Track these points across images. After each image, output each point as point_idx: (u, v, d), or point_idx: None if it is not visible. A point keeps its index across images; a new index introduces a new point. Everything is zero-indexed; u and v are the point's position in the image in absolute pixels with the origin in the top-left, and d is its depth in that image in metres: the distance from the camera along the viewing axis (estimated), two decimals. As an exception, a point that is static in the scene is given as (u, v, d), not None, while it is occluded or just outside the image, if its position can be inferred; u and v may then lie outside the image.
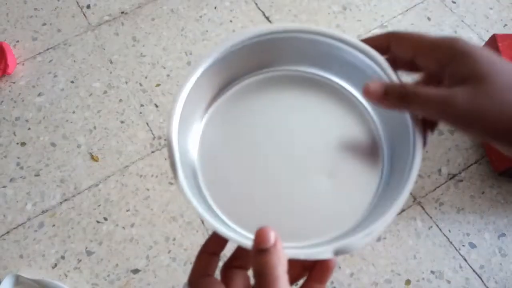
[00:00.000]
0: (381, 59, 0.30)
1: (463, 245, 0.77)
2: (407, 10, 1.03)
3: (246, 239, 0.26)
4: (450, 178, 0.83)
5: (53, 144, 0.86)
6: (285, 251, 0.25)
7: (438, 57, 0.27)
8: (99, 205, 0.80)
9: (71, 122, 0.89)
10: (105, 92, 0.92)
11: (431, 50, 0.28)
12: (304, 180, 0.31)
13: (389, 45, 0.30)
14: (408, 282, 0.75)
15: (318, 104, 0.33)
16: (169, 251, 0.77)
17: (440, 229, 0.79)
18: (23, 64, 0.96)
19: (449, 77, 0.27)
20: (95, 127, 0.88)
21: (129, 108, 0.90)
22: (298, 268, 0.29)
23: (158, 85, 0.93)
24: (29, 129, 0.88)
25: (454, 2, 1.04)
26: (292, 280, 0.29)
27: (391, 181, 0.30)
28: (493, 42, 0.82)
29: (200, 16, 1.02)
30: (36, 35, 1.00)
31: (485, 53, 0.26)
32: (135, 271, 0.75)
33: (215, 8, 1.03)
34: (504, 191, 0.82)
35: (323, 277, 0.29)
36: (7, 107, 0.90)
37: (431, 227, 0.79)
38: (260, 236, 0.25)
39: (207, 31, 1.00)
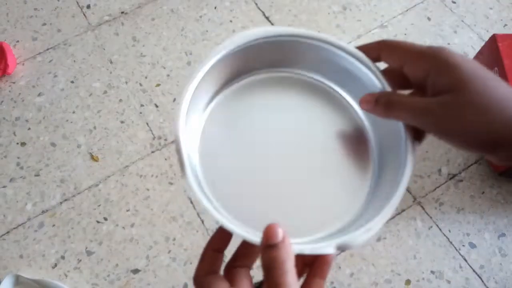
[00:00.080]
0: (374, 67, 0.32)
1: (463, 245, 0.77)
2: (407, 10, 1.03)
3: (251, 234, 0.27)
4: (450, 178, 0.83)
5: (53, 144, 0.86)
6: (296, 249, 0.26)
7: (422, 66, 0.28)
8: (99, 205, 0.80)
9: (71, 122, 0.89)
10: (105, 92, 0.92)
11: (417, 59, 0.28)
12: (301, 177, 0.32)
13: (379, 53, 0.31)
14: (408, 282, 0.75)
15: (313, 106, 0.35)
16: (169, 251, 0.77)
17: (440, 229, 0.79)
18: (23, 64, 0.96)
19: (431, 86, 0.28)
20: (95, 127, 0.88)
21: (129, 108, 0.90)
22: (299, 265, 0.30)
23: (158, 85, 0.93)
24: (29, 129, 0.88)
25: (454, 2, 1.04)
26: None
27: (384, 175, 0.31)
28: (493, 42, 0.82)
29: (200, 16, 1.02)
30: (36, 35, 1.00)
31: (467, 64, 0.27)
32: (135, 271, 0.75)
33: (215, 8, 1.03)
34: (504, 191, 0.82)
35: (323, 272, 0.30)
36: (7, 107, 0.90)
37: (431, 227, 0.79)
38: (269, 232, 0.26)
39: (207, 31, 1.00)
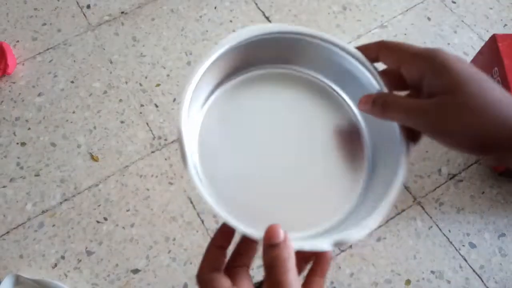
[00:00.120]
0: (372, 67, 0.32)
1: (463, 245, 0.77)
2: (407, 10, 1.03)
3: (252, 230, 0.27)
4: (450, 178, 0.83)
5: (53, 144, 0.86)
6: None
7: (418, 68, 0.28)
8: (99, 205, 0.80)
9: (71, 122, 0.89)
10: (105, 92, 0.92)
11: (413, 61, 0.29)
12: (297, 173, 0.33)
13: (378, 54, 0.32)
14: (408, 282, 0.75)
15: (310, 103, 0.35)
16: (169, 251, 0.77)
17: (440, 229, 0.79)
18: (23, 64, 0.96)
19: (427, 88, 0.28)
20: (95, 127, 0.88)
21: (129, 108, 0.90)
22: (298, 260, 0.30)
23: (158, 85, 0.93)
24: (29, 129, 0.88)
25: (454, 2, 1.04)
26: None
27: (378, 173, 0.32)
28: (493, 42, 0.82)
29: (200, 16, 1.02)
30: (36, 35, 1.00)
31: (462, 66, 0.27)
32: (135, 271, 0.75)
33: (215, 8, 1.03)
34: (504, 191, 0.82)
35: (323, 271, 0.30)
36: (7, 107, 0.90)
37: (431, 227, 0.79)
38: (270, 232, 0.26)
39: (207, 31, 1.00)
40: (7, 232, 0.79)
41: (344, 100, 0.36)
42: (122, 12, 1.02)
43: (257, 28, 0.33)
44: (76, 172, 0.84)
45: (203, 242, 0.77)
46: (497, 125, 0.26)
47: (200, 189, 0.28)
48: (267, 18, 1.01)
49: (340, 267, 0.75)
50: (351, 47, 0.33)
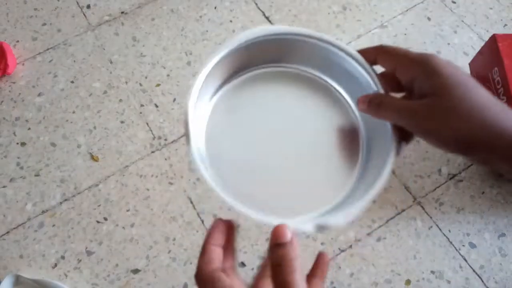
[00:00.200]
0: (371, 69, 0.35)
1: (463, 245, 0.77)
2: (407, 10, 1.03)
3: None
4: (450, 178, 0.83)
5: (53, 144, 0.86)
6: (272, 220, 0.29)
7: (411, 71, 0.30)
8: (99, 205, 0.81)
9: (71, 122, 0.89)
10: (105, 92, 0.92)
11: (407, 65, 0.31)
12: (297, 163, 0.35)
13: (376, 57, 0.34)
14: (408, 282, 0.75)
15: (311, 99, 0.38)
16: (169, 251, 0.77)
17: (440, 229, 0.79)
18: (23, 64, 0.96)
19: (418, 90, 0.30)
20: (95, 127, 0.88)
21: (129, 108, 0.90)
22: None
23: (158, 85, 0.93)
24: (29, 129, 0.88)
25: (454, 2, 1.04)
26: None
27: (369, 169, 0.34)
28: (493, 42, 0.82)
29: (200, 16, 1.02)
30: (36, 35, 1.00)
31: (450, 70, 0.29)
32: (135, 271, 0.75)
33: (215, 8, 1.03)
34: (504, 191, 0.82)
35: (322, 272, 0.32)
36: (7, 107, 0.91)
37: (431, 227, 0.79)
38: (278, 232, 0.28)
39: (207, 31, 1.00)
40: (7, 232, 0.79)
41: (344, 98, 0.38)
42: (122, 12, 1.02)
43: (261, 30, 0.35)
44: (76, 172, 0.84)
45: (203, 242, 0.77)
46: (480, 127, 0.27)
47: (204, 174, 0.30)
48: (267, 18, 1.01)
49: (340, 267, 0.75)
50: (353, 50, 0.35)
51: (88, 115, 0.90)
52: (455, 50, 0.97)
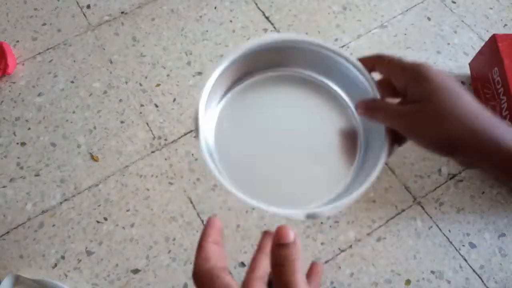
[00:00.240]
0: (369, 77, 0.37)
1: (463, 245, 0.77)
2: (407, 10, 1.03)
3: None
4: (450, 178, 0.83)
5: (53, 144, 0.86)
6: (267, 208, 0.31)
7: (404, 79, 0.33)
8: (99, 205, 0.81)
9: (71, 122, 0.89)
10: (105, 92, 0.92)
11: (401, 72, 0.33)
12: (297, 161, 0.38)
13: (374, 65, 0.36)
14: (408, 282, 0.75)
15: (313, 102, 0.41)
16: (169, 251, 0.77)
17: (440, 229, 0.79)
18: (23, 64, 0.96)
19: (409, 96, 0.33)
20: (95, 127, 0.88)
21: (129, 108, 0.90)
22: None
23: (158, 85, 0.93)
24: (29, 129, 0.88)
25: (454, 2, 1.04)
26: None
27: (364, 168, 0.37)
28: (493, 42, 0.82)
29: (200, 16, 1.02)
30: (36, 35, 1.00)
31: (438, 78, 0.31)
32: (135, 271, 0.75)
33: (215, 8, 1.03)
34: (504, 191, 0.82)
35: (316, 280, 0.33)
36: (7, 107, 0.90)
37: (431, 227, 0.79)
38: (281, 232, 0.28)
39: (207, 31, 1.00)
40: (7, 232, 0.79)
41: (345, 102, 0.40)
42: (122, 12, 1.02)
43: (268, 37, 0.38)
44: (76, 172, 0.84)
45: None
46: (461, 130, 0.29)
47: (209, 164, 0.33)
48: (267, 18, 1.01)
49: (340, 267, 0.75)
50: (353, 58, 0.38)
51: (88, 115, 0.90)
52: (455, 50, 0.97)
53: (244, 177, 0.36)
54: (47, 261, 0.76)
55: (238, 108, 0.40)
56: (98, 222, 0.79)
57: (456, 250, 0.77)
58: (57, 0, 1.04)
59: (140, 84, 0.93)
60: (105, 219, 0.80)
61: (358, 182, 0.35)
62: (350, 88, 0.40)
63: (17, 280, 0.73)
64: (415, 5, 1.03)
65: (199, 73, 0.94)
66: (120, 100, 0.91)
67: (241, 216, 0.79)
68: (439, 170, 0.84)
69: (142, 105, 0.91)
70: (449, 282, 0.74)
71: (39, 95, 0.92)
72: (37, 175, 0.83)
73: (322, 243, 0.77)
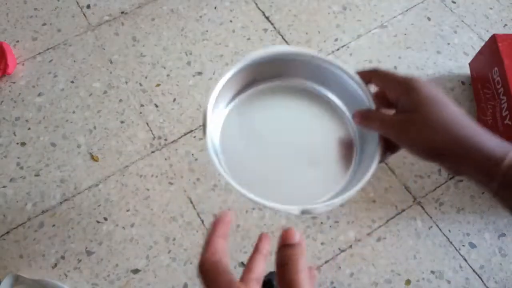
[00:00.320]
0: (366, 88, 0.40)
1: (463, 245, 0.77)
2: (407, 10, 1.03)
3: (251, 195, 0.34)
4: (450, 178, 0.83)
5: (53, 144, 0.86)
6: (265, 202, 0.33)
7: (397, 91, 0.36)
8: (99, 205, 0.80)
9: (71, 122, 0.89)
10: (105, 92, 0.92)
11: (394, 85, 0.36)
12: (296, 165, 0.41)
13: (371, 78, 0.39)
14: (408, 282, 0.75)
15: (314, 111, 0.44)
16: (169, 251, 0.77)
17: (440, 229, 0.79)
18: (23, 64, 0.96)
19: (400, 107, 0.35)
20: (95, 127, 0.88)
21: (129, 108, 0.90)
22: None
23: (158, 85, 0.93)
24: (29, 129, 0.88)
25: (454, 2, 1.04)
26: None
27: (358, 172, 0.40)
28: (493, 42, 0.82)
29: (200, 16, 1.02)
30: (36, 35, 1.00)
31: (427, 90, 0.34)
32: (135, 271, 0.75)
33: (215, 8, 1.03)
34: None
35: (311, 284, 0.34)
36: (7, 107, 0.90)
37: (431, 227, 0.79)
38: (287, 233, 0.30)
39: (207, 31, 1.00)
40: (7, 232, 0.79)
41: (343, 111, 0.44)
42: (122, 12, 1.02)
43: (274, 49, 0.42)
44: (76, 172, 0.84)
45: (203, 242, 0.77)
46: (445, 138, 0.32)
47: (216, 164, 0.36)
48: (267, 18, 1.01)
49: (340, 267, 0.75)
50: (352, 71, 0.41)
51: (88, 115, 0.90)
52: (455, 50, 0.97)
53: (246, 177, 0.38)
54: (47, 261, 0.76)
55: (243, 113, 0.43)
56: (98, 222, 0.79)
57: (456, 250, 0.77)
58: (57, 0, 1.04)
59: (140, 84, 0.93)
60: (105, 219, 0.80)
61: (352, 185, 0.38)
62: (348, 98, 0.43)
63: (17, 280, 0.73)
64: (415, 5, 1.03)
65: (199, 73, 0.94)
66: (120, 100, 0.91)
67: (241, 216, 0.79)
68: (439, 170, 0.84)
69: (142, 105, 0.91)
70: (449, 282, 0.74)
71: (39, 95, 0.92)
72: (37, 175, 0.83)
73: (322, 243, 0.77)
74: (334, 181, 0.40)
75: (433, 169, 0.84)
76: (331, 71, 0.42)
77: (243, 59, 0.41)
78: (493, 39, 0.82)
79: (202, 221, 0.79)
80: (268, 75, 0.44)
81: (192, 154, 0.85)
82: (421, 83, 0.34)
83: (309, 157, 0.41)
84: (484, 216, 0.80)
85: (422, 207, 0.81)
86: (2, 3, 1.04)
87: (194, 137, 0.87)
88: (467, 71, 0.94)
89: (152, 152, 0.86)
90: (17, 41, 0.98)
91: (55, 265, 0.76)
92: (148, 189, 0.82)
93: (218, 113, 0.41)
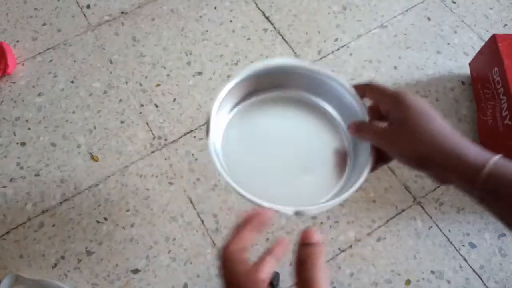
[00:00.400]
0: (360, 101, 0.43)
1: (463, 245, 0.77)
2: (407, 10, 1.03)
3: (249, 195, 0.36)
4: (450, 178, 0.83)
5: (53, 144, 0.86)
6: (261, 202, 0.35)
7: (388, 104, 0.38)
8: (99, 205, 0.81)
9: (71, 122, 0.89)
10: (105, 92, 0.92)
11: (385, 99, 0.39)
12: (293, 170, 0.43)
13: (365, 92, 0.42)
14: (408, 282, 0.75)
15: (311, 121, 0.46)
16: (169, 251, 0.77)
17: (440, 229, 0.79)
18: (23, 64, 0.96)
19: (390, 119, 0.38)
20: (95, 127, 0.88)
21: (129, 108, 0.90)
22: None
23: (158, 85, 0.93)
24: (29, 129, 0.88)
25: (454, 2, 1.04)
26: None
27: (351, 179, 0.42)
28: (493, 42, 0.82)
29: (200, 16, 1.02)
30: (36, 35, 1.00)
31: (415, 104, 0.36)
32: (135, 271, 0.75)
33: (215, 8, 1.03)
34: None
35: None
36: (7, 107, 0.91)
37: (431, 227, 0.79)
38: (308, 233, 0.32)
39: (207, 31, 1.00)
40: (7, 232, 0.79)
41: (338, 122, 0.46)
42: (122, 12, 1.02)
43: (275, 61, 0.44)
44: (76, 172, 0.84)
45: (203, 242, 0.77)
46: (430, 149, 0.34)
47: (217, 165, 0.38)
48: (267, 18, 1.01)
49: (340, 267, 0.75)
50: (348, 84, 0.43)
51: (88, 115, 0.90)
52: (455, 50, 0.97)
53: (245, 179, 0.39)
54: (47, 261, 0.76)
55: (244, 120, 0.45)
56: (98, 222, 0.79)
57: (456, 250, 0.77)
58: (57, 0, 1.04)
59: (140, 84, 0.93)
60: (105, 219, 0.80)
61: (345, 191, 0.40)
62: (343, 110, 0.45)
63: (17, 280, 0.73)
64: (415, 5, 1.03)
65: (199, 73, 0.94)
66: (120, 100, 0.91)
67: (241, 216, 0.79)
68: (439, 170, 0.84)
69: (142, 105, 0.91)
70: (449, 282, 0.74)
71: (39, 95, 0.92)
72: (37, 175, 0.83)
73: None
74: (328, 186, 0.42)
75: (433, 169, 0.84)
76: (329, 84, 0.45)
77: (245, 70, 0.43)
78: (493, 39, 0.82)
79: (202, 221, 0.79)
80: (269, 85, 0.46)
81: (192, 154, 0.85)
82: (409, 96, 0.36)
83: (306, 164, 0.43)
84: (484, 216, 0.80)
85: (422, 207, 0.81)
86: (2, 3, 1.04)
87: (194, 137, 0.87)
88: (467, 71, 0.94)
89: (152, 152, 0.86)
90: (17, 41, 0.98)
91: (55, 265, 0.76)
92: (148, 189, 0.82)
93: (220, 119, 0.44)
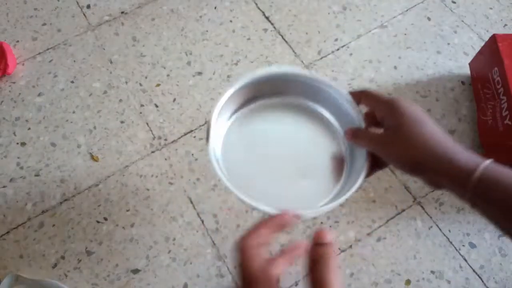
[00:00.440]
0: (357, 108, 0.44)
1: (463, 245, 0.77)
2: (407, 10, 1.03)
3: (247, 198, 0.37)
4: (450, 178, 0.83)
5: (53, 144, 0.86)
6: (258, 206, 0.36)
7: (382, 111, 0.39)
8: (99, 205, 0.81)
9: (71, 122, 0.89)
10: (105, 92, 0.92)
11: (380, 106, 0.39)
12: (291, 175, 0.44)
13: (361, 99, 0.43)
14: (408, 282, 0.75)
15: (309, 127, 0.47)
16: (169, 251, 0.77)
17: (440, 229, 0.79)
18: (23, 64, 0.96)
19: (385, 125, 0.39)
20: (95, 127, 0.88)
21: (129, 108, 0.90)
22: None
23: (158, 85, 0.93)
24: (29, 129, 0.88)
25: (454, 2, 1.04)
26: None
27: (347, 185, 0.42)
28: (493, 42, 0.82)
29: (200, 16, 1.02)
30: (36, 35, 1.00)
31: (409, 110, 0.37)
32: (135, 271, 0.75)
33: (215, 8, 1.03)
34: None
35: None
36: (7, 107, 0.91)
37: (431, 227, 0.79)
38: (320, 234, 0.33)
39: (207, 31, 1.00)
40: (7, 232, 0.79)
41: (336, 128, 0.47)
42: (122, 12, 1.02)
43: (275, 69, 0.45)
44: (76, 172, 0.84)
45: (203, 242, 0.77)
46: (423, 154, 0.35)
47: (215, 167, 0.39)
48: (267, 18, 1.01)
49: (340, 267, 0.75)
50: (345, 91, 0.45)
51: (88, 115, 0.90)
52: (455, 50, 0.97)
53: (244, 183, 0.40)
54: (47, 261, 0.76)
55: (244, 125, 0.47)
56: (98, 222, 0.79)
57: (456, 250, 0.77)
58: (57, 0, 1.04)
59: (140, 84, 0.93)
60: (105, 219, 0.80)
61: (341, 195, 0.41)
62: (341, 117, 0.47)
63: (17, 280, 0.73)
64: (415, 5, 1.03)
65: (199, 73, 0.94)
66: (120, 100, 0.91)
67: (241, 216, 0.79)
68: (439, 170, 0.84)
69: (142, 105, 0.91)
70: (449, 282, 0.74)
71: (39, 95, 0.92)
72: (37, 175, 0.83)
73: (322, 243, 0.77)
74: (324, 192, 0.43)
75: (433, 169, 0.84)
76: (326, 91, 0.46)
77: (245, 77, 0.44)
78: (493, 39, 0.82)
79: (202, 221, 0.79)
80: (268, 92, 0.47)
81: (192, 154, 0.85)
82: (403, 103, 0.37)
83: (303, 168, 0.45)
84: (484, 216, 0.80)
85: (422, 207, 0.81)
86: (2, 3, 1.04)
87: (194, 137, 0.87)
88: (467, 71, 0.94)
89: (152, 152, 0.86)
90: (17, 41, 0.98)
91: (55, 265, 0.76)
92: (148, 189, 0.82)
93: (220, 125, 0.45)
